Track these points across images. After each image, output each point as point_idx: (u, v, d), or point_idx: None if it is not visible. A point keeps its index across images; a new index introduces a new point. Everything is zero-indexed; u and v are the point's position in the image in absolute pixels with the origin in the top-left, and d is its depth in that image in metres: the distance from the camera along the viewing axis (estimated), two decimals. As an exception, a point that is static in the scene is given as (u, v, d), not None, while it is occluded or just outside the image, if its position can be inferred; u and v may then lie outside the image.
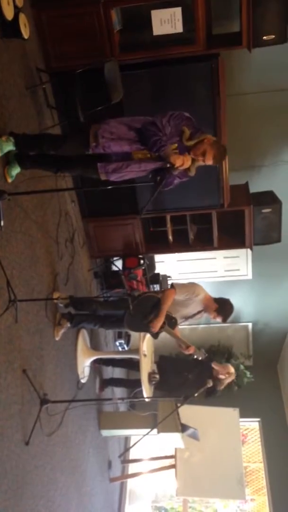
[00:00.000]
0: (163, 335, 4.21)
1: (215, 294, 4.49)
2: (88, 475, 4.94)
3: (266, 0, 4.03)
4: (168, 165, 3.25)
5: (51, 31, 4.21)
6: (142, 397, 4.81)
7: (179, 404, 4.47)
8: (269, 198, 5.35)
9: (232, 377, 5.30)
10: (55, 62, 4.34)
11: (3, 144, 3.24)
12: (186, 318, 4.38)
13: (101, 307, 4.54)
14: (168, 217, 5.45)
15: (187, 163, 3.30)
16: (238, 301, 6.91)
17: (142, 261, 5.75)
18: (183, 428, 5.45)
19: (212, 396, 5.27)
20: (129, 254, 5.72)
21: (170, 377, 5.37)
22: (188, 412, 5.59)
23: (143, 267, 5.73)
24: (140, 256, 5.76)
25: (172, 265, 6.70)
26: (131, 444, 6.74)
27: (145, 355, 4.92)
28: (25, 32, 3.62)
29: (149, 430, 4.53)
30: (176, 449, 5.99)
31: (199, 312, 4.36)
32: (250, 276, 6.84)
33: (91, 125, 3.36)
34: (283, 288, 7.06)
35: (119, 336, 6.57)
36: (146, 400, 4.84)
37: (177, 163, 3.23)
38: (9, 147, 3.28)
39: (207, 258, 6.63)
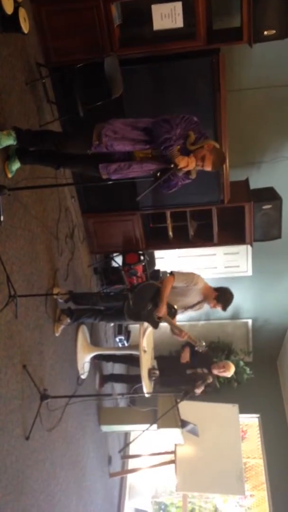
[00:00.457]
0: (163, 330, 4.22)
1: (215, 290, 4.49)
2: (88, 470, 4.95)
3: (267, -5, 4.02)
4: (172, 166, 3.25)
5: (51, 25, 4.19)
6: (142, 392, 4.81)
7: (179, 400, 4.47)
8: (269, 194, 5.34)
9: (230, 373, 5.31)
10: (55, 57, 4.32)
11: (2, 138, 3.23)
12: (186, 308, 4.39)
13: (102, 300, 4.55)
14: (168, 213, 5.44)
15: (192, 165, 3.31)
16: (238, 297, 6.87)
17: (142, 257, 5.75)
18: (183, 423, 5.47)
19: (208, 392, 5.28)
20: (129, 250, 5.72)
21: (170, 373, 5.38)
22: (188, 408, 5.60)
23: (143, 263, 5.73)
24: (140, 252, 5.76)
25: (172, 261, 6.70)
26: (131, 439, 6.77)
27: (145, 351, 4.92)
28: (25, 27, 3.60)
29: (149, 425, 4.53)
30: (175, 444, 6.00)
31: (198, 303, 4.38)
32: (250, 273, 6.84)
33: (94, 124, 3.36)
34: (283, 285, 7.05)
35: (119, 332, 6.58)
36: (146, 395, 4.85)
37: (182, 164, 3.23)
38: (9, 141, 3.27)
39: (207, 255, 6.62)
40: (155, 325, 4.26)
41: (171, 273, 4.29)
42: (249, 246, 6.00)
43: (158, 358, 5.64)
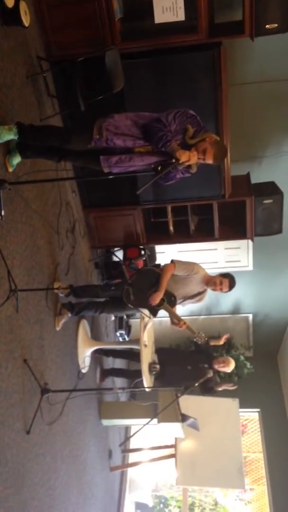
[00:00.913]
0: (163, 329, 4.22)
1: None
2: (89, 464, 4.97)
3: (269, -12, 4.00)
4: (173, 160, 3.23)
5: (51, 19, 4.16)
6: (143, 387, 4.82)
7: (179, 394, 4.48)
8: (271, 189, 5.33)
9: (230, 368, 5.32)
10: (55, 51, 4.30)
11: (4, 132, 3.22)
12: (186, 298, 4.38)
13: (102, 291, 4.55)
14: (169, 208, 5.44)
15: (193, 159, 3.29)
16: (238, 292, 6.92)
17: (143, 252, 5.75)
18: (183, 418, 5.48)
19: (209, 393, 5.29)
20: (130, 245, 5.72)
21: (170, 367, 5.39)
22: (188, 402, 5.62)
23: (144, 258, 5.73)
24: (141, 246, 5.75)
25: (173, 256, 6.68)
26: (132, 433, 6.80)
27: (145, 346, 4.92)
28: (26, 20, 3.58)
29: (149, 420, 4.55)
30: (176, 438, 6.02)
31: (199, 294, 4.36)
32: (251, 267, 6.83)
33: (95, 118, 3.34)
34: (284, 279, 7.05)
35: (120, 326, 6.59)
36: (147, 390, 4.86)
37: (183, 159, 3.22)
38: (10, 136, 3.26)
39: (208, 249, 6.61)
40: (154, 313, 4.26)
41: (172, 261, 4.27)
42: (250, 241, 5.99)
43: (158, 350, 5.65)
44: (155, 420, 5.11)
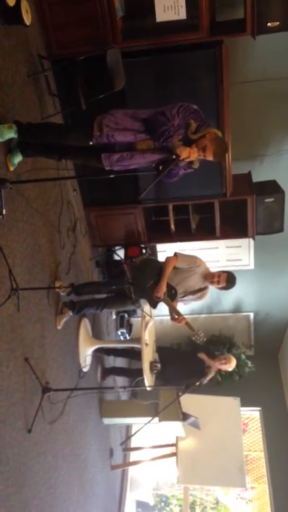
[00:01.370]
0: (164, 327, 4.21)
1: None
2: (90, 462, 4.97)
3: (270, -14, 3.99)
4: (173, 157, 3.23)
5: (53, 17, 4.16)
6: (144, 386, 4.82)
7: (180, 393, 4.48)
8: (272, 188, 5.32)
9: (231, 367, 5.30)
10: (57, 49, 4.29)
11: (4, 131, 3.22)
12: (187, 292, 4.37)
13: (104, 287, 4.54)
14: (170, 206, 5.43)
15: (194, 156, 3.28)
16: (239, 291, 6.92)
17: (144, 251, 5.74)
18: (184, 416, 5.48)
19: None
20: (131, 243, 5.71)
21: (171, 366, 5.39)
22: (189, 401, 5.61)
23: (145, 257, 5.72)
24: (142, 245, 5.75)
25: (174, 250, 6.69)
26: (133, 432, 6.80)
27: (146, 344, 4.92)
28: (27, 19, 3.57)
29: (150, 418, 4.55)
30: (177, 437, 6.02)
31: (200, 290, 4.35)
32: (252, 266, 6.83)
33: (95, 116, 3.34)
34: (285, 278, 7.04)
35: (121, 325, 6.59)
36: (148, 389, 4.86)
37: (183, 155, 3.21)
38: (11, 134, 3.25)
39: (209, 248, 6.61)
40: (153, 305, 4.25)
41: (175, 254, 4.27)
42: (251, 240, 5.99)
43: (159, 349, 5.64)
44: (156, 419, 5.11)
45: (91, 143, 3.36)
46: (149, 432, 5.87)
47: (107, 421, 5.68)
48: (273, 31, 4.17)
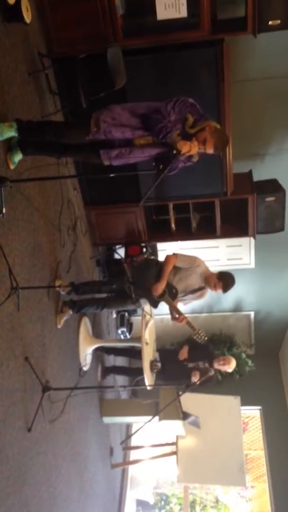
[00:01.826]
0: (165, 327, 4.20)
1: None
2: (90, 461, 4.97)
3: (272, -15, 3.97)
4: (174, 152, 3.21)
5: (53, 15, 4.15)
6: (144, 385, 4.82)
7: (180, 393, 4.47)
8: (273, 187, 5.31)
9: (231, 368, 5.30)
10: (57, 47, 4.28)
11: (4, 129, 3.21)
12: (187, 292, 4.36)
13: (104, 285, 4.54)
14: (171, 205, 5.42)
15: (194, 150, 3.27)
16: (240, 290, 6.91)
17: (144, 249, 5.74)
18: (185, 415, 5.48)
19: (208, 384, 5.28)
20: (132, 242, 5.71)
21: (172, 365, 5.39)
22: (190, 400, 5.61)
23: (146, 255, 5.72)
24: (143, 244, 5.74)
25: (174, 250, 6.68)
26: (133, 431, 6.80)
27: (147, 343, 4.92)
28: (27, 17, 3.56)
29: (150, 417, 4.54)
30: (177, 436, 6.02)
31: (200, 289, 4.34)
32: (252, 265, 6.82)
33: (92, 112, 3.33)
34: (286, 277, 7.04)
35: (121, 324, 6.58)
36: (148, 388, 4.85)
37: (184, 150, 3.20)
38: (11, 133, 3.24)
39: (209, 247, 6.60)
40: (154, 305, 4.25)
41: (174, 253, 4.26)
42: (252, 239, 5.98)
43: (160, 351, 5.65)
44: (156, 418, 5.11)
45: (87, 138, 3.34)
46: (149, 431, 5.88)
47: (107, 420, 5.68)
48: (274, 29, 4.16)
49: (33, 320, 3.61)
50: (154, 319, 5.20)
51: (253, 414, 8.03)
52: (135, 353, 5.60)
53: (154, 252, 6.19)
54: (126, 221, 5.51)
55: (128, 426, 7.24)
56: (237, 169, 5.29)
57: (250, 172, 5.49)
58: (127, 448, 6.76)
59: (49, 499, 3.72)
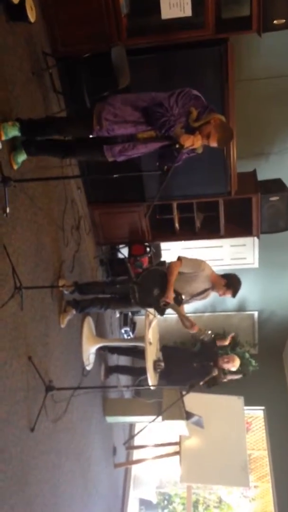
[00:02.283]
0: (169, 322, 4.20)
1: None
2: (93, 461, 4.97)
3: (277, -16, 3.95)
4: (177, 146, 3.19)
5: (57, 14, 4.14)
6: (147, 385, 4.81)
7: (184, 392, 4.47)
8: (277, 186, 5.29)
9: (235, 367, 5.29)
10: (61, 46, 4.27)
11: (8, 129, 3.21)
12: (192, 296, 4.34)
13: (108, 287, 4.53)
14: (174, 205, 5.41)
15: (197, 143, 3.25)
16: (244, 289, 6.82)
17: (148, 249, 5.73)
18: (188, 415, 5.47)
19: (213, 386, 5.27)
20: (135, 242, 5.70)
21: (175, 365, 5.38)
22: (193, 400, 5.60)
23: (149, 255, 5.71)
24: (146, 243, 5.73)
25: (178, 253, 6.66)
26: (136, 430, 6.79)
27: (150, 343, 4.91)
28: (32, 16, 3.56)
29: (153, 417, 4.54)
30: (180, 436, 6.02)
31: (205, 290, 4.32)
32: (256, 265, 6.80)
33: (94, 106, 3.30)
34: (290, 277, 7.02)
35: (125, 323, 6.58)
36: (151, 388, 4.85)
37: (187, 144, 3.18)
38: (15, 132, 3.24)
39: (213, 246, 6.59)
40: (161, 312, 4.22)
41: (179, 258, 4.21)
42: (256, 238, 5.96)
43: (163, 348, 5.63)
44: (159, 418, 5.10)
45: (91, 136, 3.32)
46: (152, 431, 5.87)
47: (110, 419, 5.68)
48: (279, 28, 4.14)
49: (36, 319, 3.61)
50: (157, 318, 5.19)
51: (256, 414, 8.02)
52: (138, 353, 5.60)
53: (158, 251, 6.18)
54: (130, 220, 5.51)
55: (131, 425, 7.24)
56: (241, 169, 5.27)
57: (254, 171, 5.47)
58: (130, 447, 6.76)
59: (52, 498, 3.72)
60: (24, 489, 3.21)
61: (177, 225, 5.59)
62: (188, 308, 6.26)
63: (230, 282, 4.22)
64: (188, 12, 4.16)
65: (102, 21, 4.15)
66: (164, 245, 6.40)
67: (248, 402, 6.50)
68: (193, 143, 3.21)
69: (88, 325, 5.02)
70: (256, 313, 7.77)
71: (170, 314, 4.53)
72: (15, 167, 3.33)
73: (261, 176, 5.39)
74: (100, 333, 5.57)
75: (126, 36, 4.24)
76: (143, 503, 7.98)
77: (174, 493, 8.32)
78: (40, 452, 3.51)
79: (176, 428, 5.73)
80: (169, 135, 3.22)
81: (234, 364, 5.25)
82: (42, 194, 3.90)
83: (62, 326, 4.19)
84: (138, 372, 5.87)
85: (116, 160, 3.41)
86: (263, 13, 4.04)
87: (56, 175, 4.14)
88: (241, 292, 4.41)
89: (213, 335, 4.00)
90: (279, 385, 7.87)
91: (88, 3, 4.10)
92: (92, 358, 5.01)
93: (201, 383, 4.43)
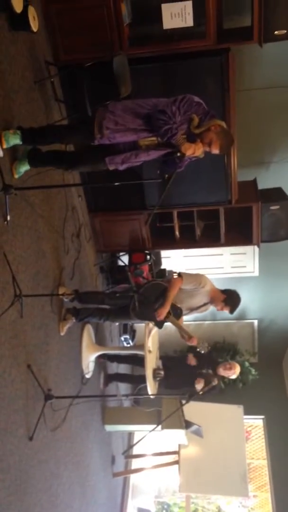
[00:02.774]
0: (169, 330, 4.19)
1: (221, 291, 4.46)
2: (92, 470, 4.94)
3: (278, -5, 3.98)
4: (178, 154, 3.21)
5: (60, 24, 4.17)
6: (147, 393, 4.79)
7: (183, 401, 4.44)
8: (278, 195, 5.30)
9: (235, 374, 5.27)
10: (63, 55, 4.30)
11: (10, 137, 3.22)
12: (192, 310, 4.35)
13: (108, 298, 4.52)
14: (175, 213, 5.42)
15: (199, 151, 3.27)
16: (244, 298, 6.81)
17: (148, 257, 5.73)
18: (187, 424, 5.45)
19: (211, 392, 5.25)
20: (136, 250, 5.70)
21: (175, 373, 5.36)
22: (192, 409, 5.57)
23: (149, 263, 5.71)
24: (147, 251, 5.74)
25: (178, 261, 6.67)
26: (135, 439, 6.76)
27: (150, 351, 4.90)
28: (34, 25, 3.58)
29: (153, 427, 4.51)
30: (179, 445, 5.99)
31: (204, 305, 4.32)
32: (256, 273, 6.80)
33: (95, 114, 3.31)
34: (290, 286, 7.02)
35: (124, 331, 6.57)
36: (151, 397, 4.83)
37: (189, 152, 3.20)
38: (16, 140, 3.25)
39: (213, 254, 6.59)
40: (160, 326, 4.22)
41: (179, 274, 4.21)
42: (256, 247, 5.97)
43: (163, 358, 5.62)
44: (159, 427, 5.08)
45: (92, 144, 3.33)
46: (151, 440, 5.84)
47: (109, 428, 5.66)
48: (280, 39, 4.17)
49: (36, 327, 3.60)
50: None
51: (256, 423, 7.98)
52: (138, 361, 5.58)
53: (158, 259, 6.18)
54: (130, 228, 5.51)
55: (130, 434, 7.21)
56: (242, 177, 5.28)
57: (255, 180, 5.48)
58: (129, 456, 6.72)
59: (50, 508, 3.70)
60: (23, 498, 3.19)
61: (177, 233, 5.59)
62: (187, 317, 6.26)
63: (230, 298, 4.22)
64: (189, 22, 4.19)
65: (104, 30, 4.18)
66: (164, 253, 6.40)
67: (247, 411, 6.48)
68: (194, 151, 3.23)
69: (88, 333, 5.01)
70: (256, 322, 7.76)
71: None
72: (16, 176, 3.33)
73: (261, 185, 5.40)
74: (100, 341, 5.55)
75: (128, 45, 4.27)
76: (142, 512, 7.91)
77: (173, 503, 8.25)
78: (38, 461, 3.49)
79: (175, 437, 5.71)
80: (170, 142, 3.23)
81: (234, 372, 5.23)
82: (42, 201, 3.90)
83: (62, 334, 4.18)
84: (137, 380, 5.84)
85: (118, 169, 3.42)
86: (264, 24, 4.06)
87: (57, 182, 4.15)
88: (241, 301, 4.40)
89: (209, 348, 3.99)
90: (279, 394, 7.85)
91: (90, 12, 4.13)
92: (91, 366, 5.00)
93: (201, 392, 4.41)
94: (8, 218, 3.11)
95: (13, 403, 3.11)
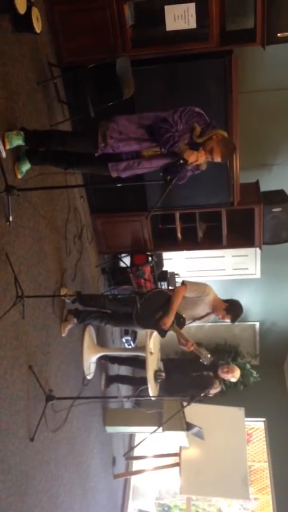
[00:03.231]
0: (169, 336, 4.19)
1: (223, 293, 4.47)
2: (92, 471, 4.94)
3: (281, -3, 3.98)
4: (181, 161, 3.22)
5: (63, 25, 4.17)
6: (148, 395, 4.79)
7: (185, 404, 4.44)
8: (280, 197, 5.29)
9: (235, 377, 5.26)
10: (66, 57, 4.31)
11: (13, 138, 3.23)
12: (194, 319, 4.34)
13: (110, 303, 4.52)
14: (177, 215, 5.42)
15: (201, 159, 3.29)
16: (246, 300, 6.86)
17: (150, 258, 5.72)
18: (188, 426, 5.44)
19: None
20: (137, 251, 5.70)
21: (176, 375, 5.36)
22: (194, 411, 5.56)
23: (151, 264, 5.71)
24: (148, 253, 5.73)
25: (180, 263, 6.67)
26: (136, 441, 6.76)
27: (151, 353, 4.90)
28: (38, 26, 3.59)
29: (154, 428, 4.52)
30: (180, 447, 5.98)
31: (207, 314, 4.31)
32: (258, 275, 6.80)
33: (98, 123, 3.33)
34: (292, 288, 7.01)
35: (126, 333, 6.56)
36: (152, 398, 4.82)
37: (191, 160, 3.22)
38: (19, 141, 3.26)
39: (215, 256, 6.59)
40: (162, 334, 4.20)
41: (183, 282, 4.20)
42: (258, 249, 5.96)
43: (164, 361, 5.61)
44: (160, 429, 5.07)
45: (96, 154, 3.35)
46: (152, 441, 5.83)
47: (110, 429, 5.65)
48: (283, 41, 4.16)
49: (37, 328, 3.60)
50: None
51: (257, 425, 7.97)
52: (139, 363, 5.58)
53: (160, 261, 6.18)
54: (132, 229, 5.51)
55: (131, 436, 7.20)
56: (244, 179, 5.28)
57: (257, 182, 5.48)
58: (129, 458, 6.71)
59: (51, 509, 3.70)
60: (23, 499, 3.19)
61: (179, 234, 5.59)
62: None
63: (232, 308, 4.20)
64: (192, 24, 4.19)
65: (108, 32, 4.19)
66: (166, 255, 6.40)
67: (249, 414, 6.47)
68: (197, 158, 3.25)
69: (89, 334, 5.01)
70: (257, 324, 7.75)
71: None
72: (19, 176, 3.34)
73: (264, 187, 5.40)
74: (101, 342, 5.55)
75: (131, 47, 4.27)
76: (142, 514, 7.90)
77: (174, 505, 8.24)
78: (39, 462, 3.49)
79: (176, 439, 5.70)
80: (173, 152, 3.25)
81: (234, 375, 5.23)
82: (45, 202, 3.91)
83: (63, 335, 4.18)
84: (138, 382, 5.84)
85: (121, 176, 3.43)
86: (267, 26, 4.06)
87: (59, 183, 4.16)
88: (243, 303, 4.40)
89: (212, 359, 3.98)
90: (280, 397, 7.84)
91: (93, 14, 4.14)
92: (92, 367, 5.00)
93: (202, 394, 4.41)
94: (11, 219, 3.12)
95: (14, 404, 3.11)
